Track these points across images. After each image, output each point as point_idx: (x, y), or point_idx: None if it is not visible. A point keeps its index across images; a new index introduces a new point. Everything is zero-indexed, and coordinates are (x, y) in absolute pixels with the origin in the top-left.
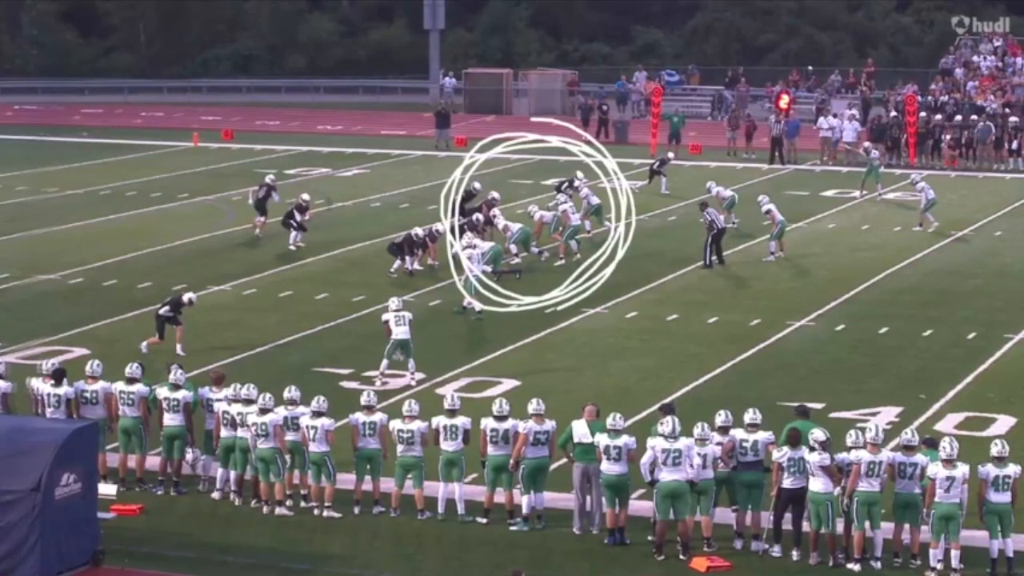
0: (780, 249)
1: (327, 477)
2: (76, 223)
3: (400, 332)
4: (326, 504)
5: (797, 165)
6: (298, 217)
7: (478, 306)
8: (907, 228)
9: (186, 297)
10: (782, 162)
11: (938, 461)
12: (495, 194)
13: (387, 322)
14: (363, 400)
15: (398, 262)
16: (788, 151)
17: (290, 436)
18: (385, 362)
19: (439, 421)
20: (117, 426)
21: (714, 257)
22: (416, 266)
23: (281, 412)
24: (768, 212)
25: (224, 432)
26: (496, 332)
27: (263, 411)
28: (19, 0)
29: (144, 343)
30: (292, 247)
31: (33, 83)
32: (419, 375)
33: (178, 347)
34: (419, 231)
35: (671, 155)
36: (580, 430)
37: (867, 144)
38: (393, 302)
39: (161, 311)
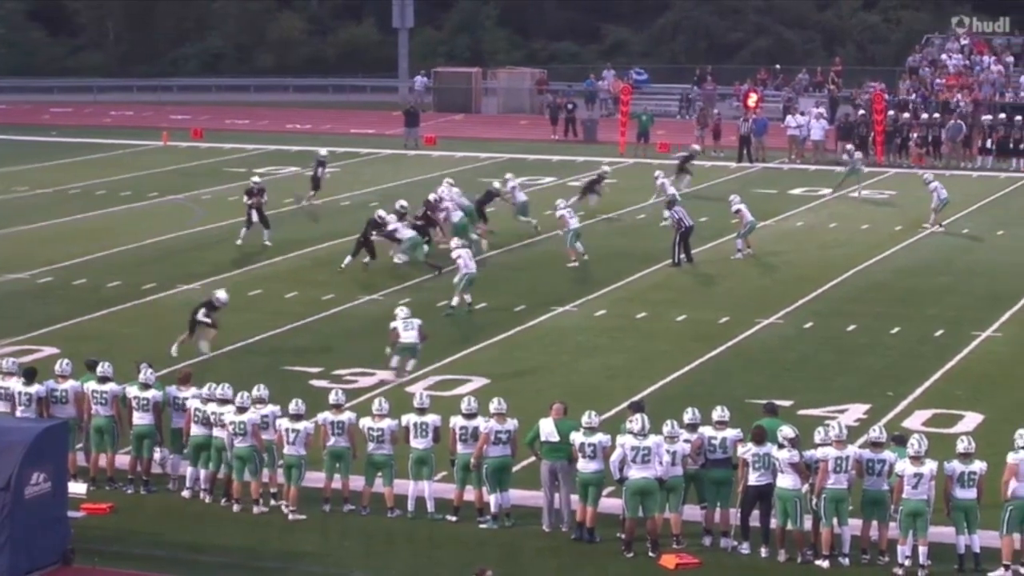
0: (747, 246)
1: (295, 480)
2: (45, 222)
3: (408, 337)
4: (291, 507)
5: (765, 163)
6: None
7: (455, 301)
8: (875, 226)
9: (216, 296)
10: (750, 160)
11: (906, 458)
12: (440, 192)
13: (395, 328)
14: (331, 399)
15: (349, 258)
16: (756, 149)
17: (263, 435)
18: (396, 358)
19: (409, 419)
20: (88, 425)
21: (683, 255)
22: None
23: (258, 410)
24: (738, 212)
25: (196, 430)
26: (465, 330)
27: (240, 410)
28: None
29: (174, 345)
30: (267, 243)
31: (1, 83)
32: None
33: (204, 345)
34: (381, 213)
35: (697, 148)
36: (547, 428)
37: (849, 147)
38: (401, 310)
39: (198, 316)
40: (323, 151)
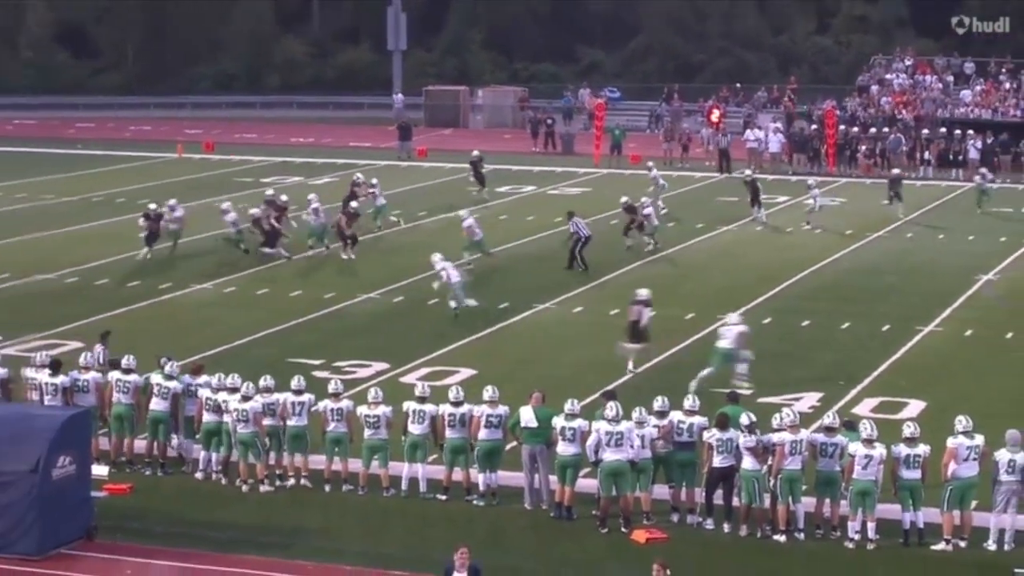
0: (655, 242)
1: (301, 451)
2: (71, 227)
3: (722, 343)
4: (304, 475)
5: (728, 174)
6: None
7: (453, 305)
8: (827, 231)
9: (643, 296)
10: (729, 172)
11: (859, 441)
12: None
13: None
14: (331, 388)
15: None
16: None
17: (267, 421)
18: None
19: (410, 405)
20: (109, 412)
21: (580, 264)
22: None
23: (260, 399)
24: (647, 216)
25: (207, 417)
26: (454, 326)
27: (244, 399)
28: (17, 23)
29: (630, 363)
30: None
31: (31, 100)
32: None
33: (630, 364)
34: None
35: (896, 171)
36: (527, 415)
37: (983, 170)
38: (731, 316)
39: (644, 321)
40: (475, 152)
